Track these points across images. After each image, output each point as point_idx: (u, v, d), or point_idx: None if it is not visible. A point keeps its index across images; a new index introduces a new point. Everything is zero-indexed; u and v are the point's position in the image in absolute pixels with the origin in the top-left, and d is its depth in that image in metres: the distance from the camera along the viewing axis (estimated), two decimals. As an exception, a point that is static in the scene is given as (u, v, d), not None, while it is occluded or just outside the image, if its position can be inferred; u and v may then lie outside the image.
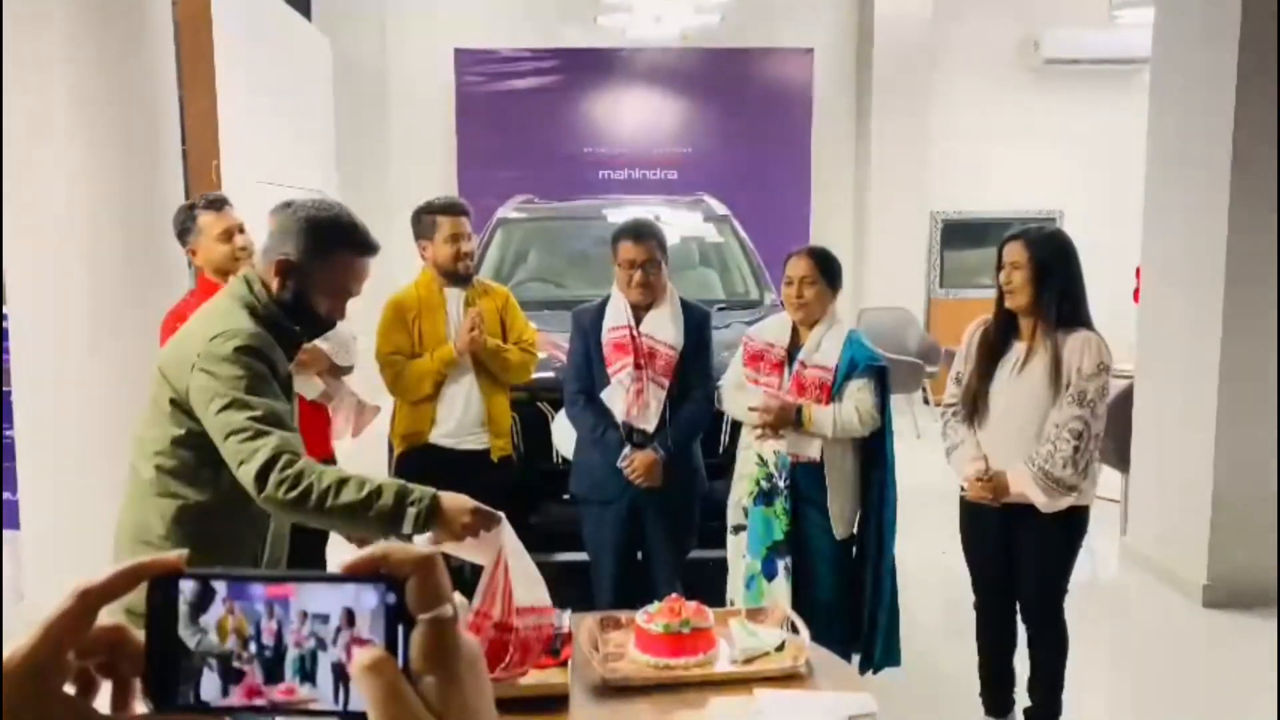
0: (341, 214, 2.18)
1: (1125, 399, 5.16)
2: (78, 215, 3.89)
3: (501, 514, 2.02)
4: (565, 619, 2.42)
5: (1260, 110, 4.35)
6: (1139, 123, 5.36)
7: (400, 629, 0.50)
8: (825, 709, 2.14)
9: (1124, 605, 4.78)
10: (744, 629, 2.48)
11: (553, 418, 3.97)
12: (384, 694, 0.48)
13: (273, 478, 1.93)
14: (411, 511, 1.95)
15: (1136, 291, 5.24)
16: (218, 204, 3.38)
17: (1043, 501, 2.97)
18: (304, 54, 7.20)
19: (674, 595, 2.47)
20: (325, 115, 7.61)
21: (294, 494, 1.93)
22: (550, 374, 3.94)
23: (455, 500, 2.00)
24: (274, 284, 2.13)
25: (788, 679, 2.29)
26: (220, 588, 0.52)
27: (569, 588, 3.51)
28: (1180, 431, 4.72)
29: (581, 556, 3.61)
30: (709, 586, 3.35)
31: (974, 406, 3.11)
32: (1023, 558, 3.12)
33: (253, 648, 0.51)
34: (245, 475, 1.95)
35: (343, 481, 1.95)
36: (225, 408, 1.98)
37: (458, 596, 0.51)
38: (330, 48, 7.70)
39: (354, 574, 0.51)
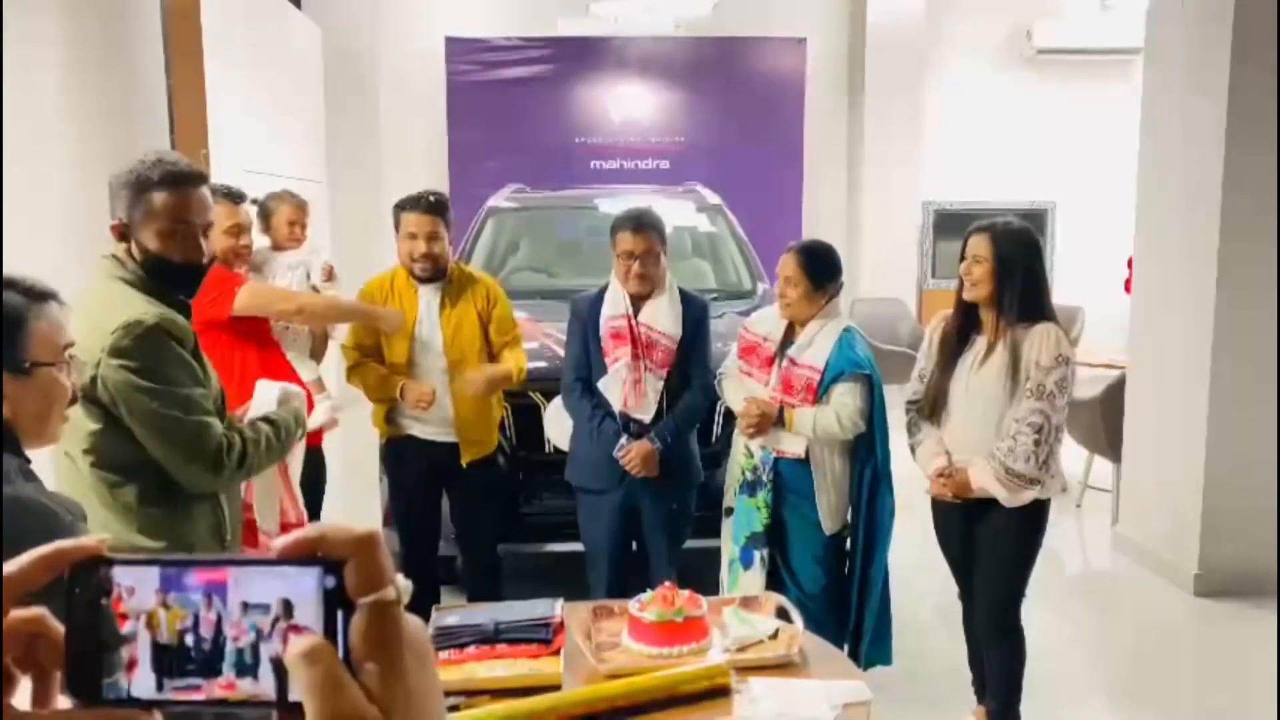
0: (151, 157, 2.13)
1: (1117, 389, 5.18)
2: (65, 203, 3.86)
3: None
4: (558, 608, 2.41)
5: (1253, 99, 4.34)
6: (1132, 112, 5.36)
7: (340, 614, 0.47)
8: (819, 697, 2.13)
9: (1116, 595, 4.79)
10: (737, 617, 2.47)
11: (545, 407, 3.96)
12: (321, 684, 0.45)
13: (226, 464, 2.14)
14: (299, 431, 2.39)
15: (1128, 281, 5.24)
16: (236, 198, 3.37)
17: (1004, 496, 2.93)
18: (294, 42, 7.15)
19: (667, 583, 2.46)
20: (315, 104, 7.56)
21: (241, 470, 2.19)
22: (543, 363, 3.92)
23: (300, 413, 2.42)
24: (123, 251, 2.11)
25: (781, 667, 2.28)
26: (150, 574, 0.49)
27: (564, 578, 3.50)
28: (1172, 421, 4.73)
29: (576, 547, 3.60)
30: (705, 576, 3.34)
31: (935, 402, 3.08)
32: (980, 553, 3.07)
33: (189, 639, 0.48)
34: (195, 467, 2.10)
35: (264, 441, 2.24)
36: (154, 406, 2.04)
37: (400, 579, 0.49)
38: (320, 36, 7.65)
39: (289, 557, 0.48)
